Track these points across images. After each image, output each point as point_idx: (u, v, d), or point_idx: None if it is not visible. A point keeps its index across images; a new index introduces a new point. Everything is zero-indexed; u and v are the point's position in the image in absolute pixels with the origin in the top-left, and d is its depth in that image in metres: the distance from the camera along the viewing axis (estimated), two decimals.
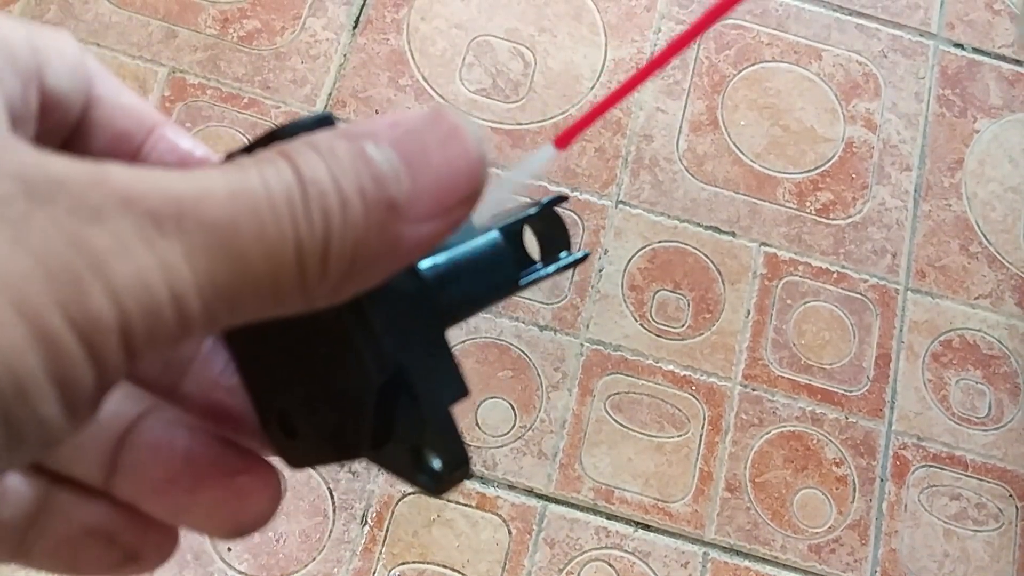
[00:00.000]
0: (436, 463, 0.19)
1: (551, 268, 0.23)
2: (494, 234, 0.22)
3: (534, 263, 0.23)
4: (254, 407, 0.22)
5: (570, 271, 0.24)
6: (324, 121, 0.18)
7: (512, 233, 0.23)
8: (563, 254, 0.24)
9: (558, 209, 0.24)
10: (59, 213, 0.14)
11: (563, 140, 0.22)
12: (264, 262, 0.15)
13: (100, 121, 0.20)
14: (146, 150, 0.20)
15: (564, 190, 0.94)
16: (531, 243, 0.24)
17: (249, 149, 0.19)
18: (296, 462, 0.22)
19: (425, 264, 0.21)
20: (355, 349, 0.19)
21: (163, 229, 0.14)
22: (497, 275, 0.22)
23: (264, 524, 0.20)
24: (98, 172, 0.14)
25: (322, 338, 0.19)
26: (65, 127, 0.19)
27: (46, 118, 0.18)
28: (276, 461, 0.22)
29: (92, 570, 0.21)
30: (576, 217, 0.93)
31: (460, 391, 0.20)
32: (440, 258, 0.21)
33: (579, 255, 0.24)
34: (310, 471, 0.84)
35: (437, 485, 0.19)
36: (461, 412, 0.86)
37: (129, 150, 0.20)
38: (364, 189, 0.16)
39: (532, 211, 0.23)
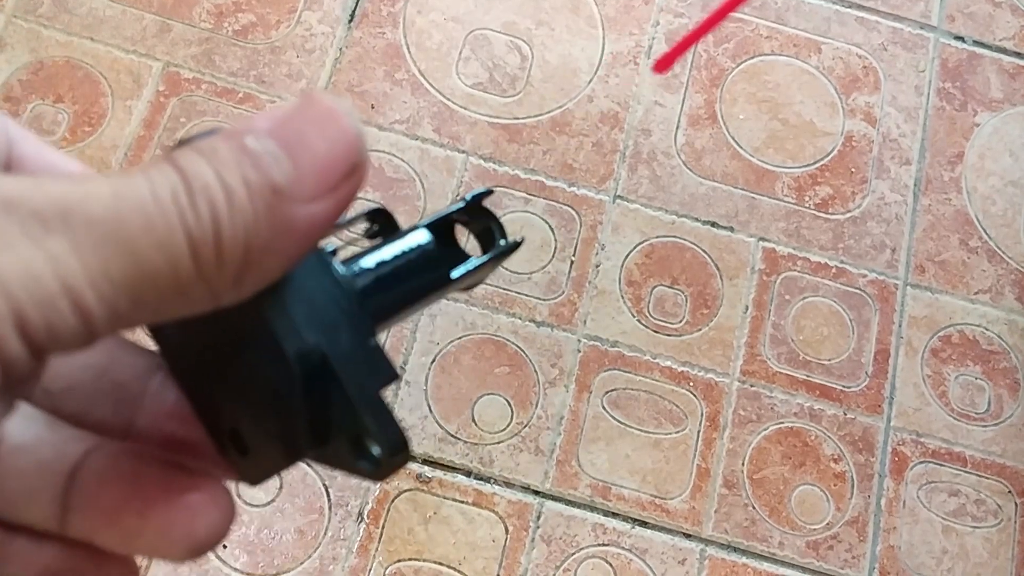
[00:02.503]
0: (375, 449, 0.20)
1: (484, 258, 0.23)
2: (420, 230, 0.23)
3: (467, 257, 0.23)
4: (208, 434, 0.22)
5: (501, 261, 0.24)
6: (214, 132, 0.18)
7: (439, 228, 0.23)
8: (501, 243, 0.24)
9: (486, 203, 0.24)
10: None
11: (663, 64, 0.22)
12: (156, 253, 0.16)
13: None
14: None
15: (560, 184, 0.94)
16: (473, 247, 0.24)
17: None
18: (254, 478, 0.22)
19: (345, 265, 0.21)
20: (275, 342, 0.19)
21: (48, 226, 0.15)
22: (426, 270, 0.23)
23: (219, 540, 0.20)
24: None
25: (250, 343, 0.20)
26: None
27: None
28: (232, 483, 0.22)
29: None
30: (573, 212, 0.93)
31: (388, 375, 0.20)
32: (363, 258, 0.22)
33: (511, 242, 0.24)
34: (306, 469, 0.83)
35: (377, 470, 0.20)
36: (457, 407, 0.86)
37: None
38: (247, 177, 0.17)
39: (458, 205, 0.24)
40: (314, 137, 0.17)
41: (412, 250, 0.23)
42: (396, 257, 0.22)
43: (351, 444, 0.20)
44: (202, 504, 0.20)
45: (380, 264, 0.22)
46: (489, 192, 0.24)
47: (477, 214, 0.24)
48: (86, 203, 0.15)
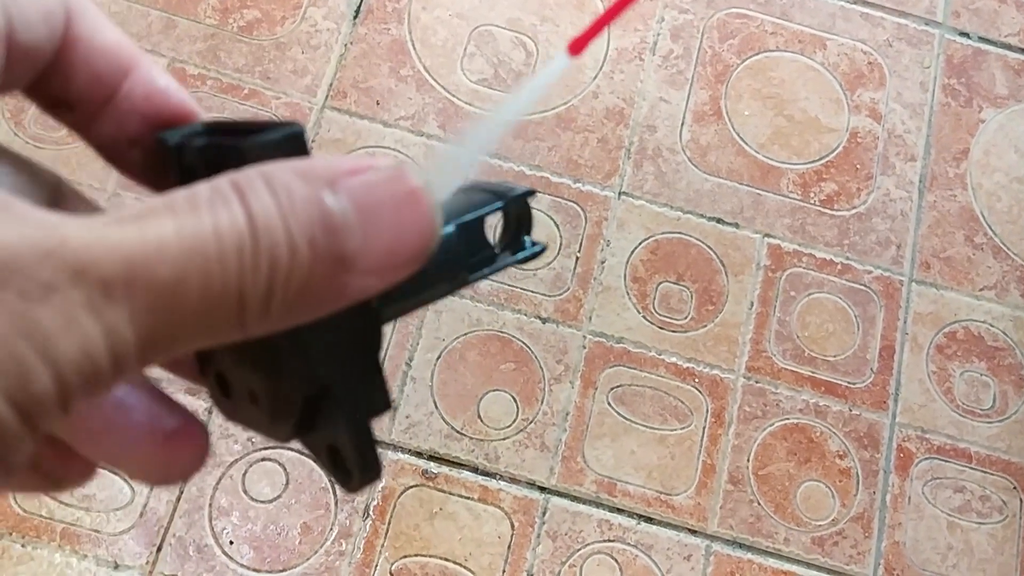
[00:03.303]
0: (350, 467, 0.20)
1: (508, 260, 0.23)
2: (449, 229, 0.22)
3: (491, 255, 0.23)
4: (195, 354, 0.22)
5: (543, 260, 0.24)
6: (292, 141, 0.18)
7: (470, 227, 0.23)
8: (526, 242, 0.23)
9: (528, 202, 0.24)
10: (10, 297, 0.14)
11: (577, 45, 0.21)
12: (205, 311, 0.16)
13: (77, 63, 0.20)
14: (123, 94, 0.21)
15: (566, 181, 0.94)
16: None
17: (219, 130, 0.20)
18: (227, 415, 0.22)
19: None
20: (289, 366, 0.19)
21: (111, 296, 0.15)
22: (444, 267, 0.22)
23: (190, 477, 0.21)
24: (52, 240, 0.15)
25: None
26: (34, 72, 0.20)
27: (13, 67, 0.19)
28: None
29: (15, 490, 0.22)
30: (578, 208, 0.93)
31: (382, 406, 0.21)
32: None
33: (538, 248, 0.23)
34: (312, 465, 0.83)
35: (347, 485, 0.21)
36: (463, 403, 0.86)
37: (105, 93, 0.21)
38: (315, 240, 0.16)
39: (496, 206, 0.23)
40: (392, 216, 0.17)
41: (436, 252, 0.22)
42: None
43: (329, 453, 0.21)
44: (182, 447, 0.21)
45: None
46: (531, 193, 0.24)
47: (516, 208, 0.23)
48: (151, 264, 0.15)
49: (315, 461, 0.21)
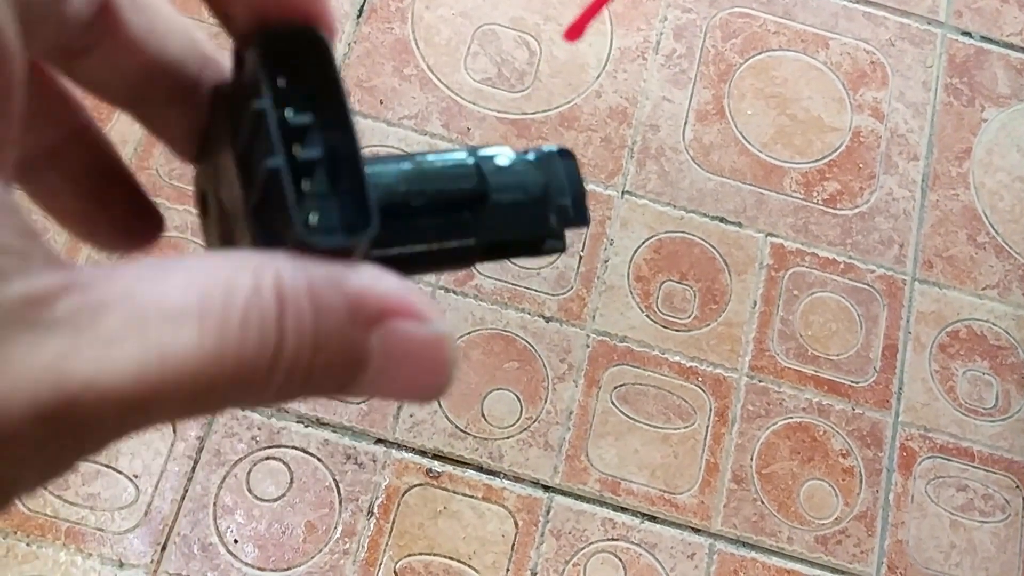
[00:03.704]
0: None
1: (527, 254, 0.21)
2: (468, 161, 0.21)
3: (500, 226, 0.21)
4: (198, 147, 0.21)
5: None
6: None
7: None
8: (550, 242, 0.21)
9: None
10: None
11: (574, 32, 0.21)
12: (200, 400, 0.16)
13: None
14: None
15: None
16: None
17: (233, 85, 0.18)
18: (206, 239, 0.22)
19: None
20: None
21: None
22: (451, 228, 0.20)
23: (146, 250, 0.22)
24: (56, 400, 0.14)
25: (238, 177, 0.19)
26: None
27: None
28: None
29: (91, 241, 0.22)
30: None
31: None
32: (384, 165, 0.20)
33: (559, 245, 0.22)
34: (316, 464, 0.83)
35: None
36: (467, 402, 0.86)
37: None
38: (333, 370, 0.17)
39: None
40: (412, 373, 0.18)
41: (451, 185, 0.20)
42: (423, 178, 0.20)
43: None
44: (139, 240, 0.21)
45: (402, 180, 0.20)
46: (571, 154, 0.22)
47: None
48: (161, 400, 0.15)
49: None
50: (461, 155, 0.20)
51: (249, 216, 0.18)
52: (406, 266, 0.19)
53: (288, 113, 0.18)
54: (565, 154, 0.21)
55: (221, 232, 0.20)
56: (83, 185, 0.21)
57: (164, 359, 0.15)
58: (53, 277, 0.15)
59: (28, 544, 0.79)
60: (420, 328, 0.17)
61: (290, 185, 0.17)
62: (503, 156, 0.21)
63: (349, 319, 0.17)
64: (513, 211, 0.20)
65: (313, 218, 0.17)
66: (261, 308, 0.16)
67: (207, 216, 0.21)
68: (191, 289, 0.15)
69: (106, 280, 0.15)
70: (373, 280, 0.17)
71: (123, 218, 0.22)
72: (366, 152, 0.18)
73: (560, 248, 0.21)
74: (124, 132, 0.91)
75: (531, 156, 0.21)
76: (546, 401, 0.87)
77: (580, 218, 0.21)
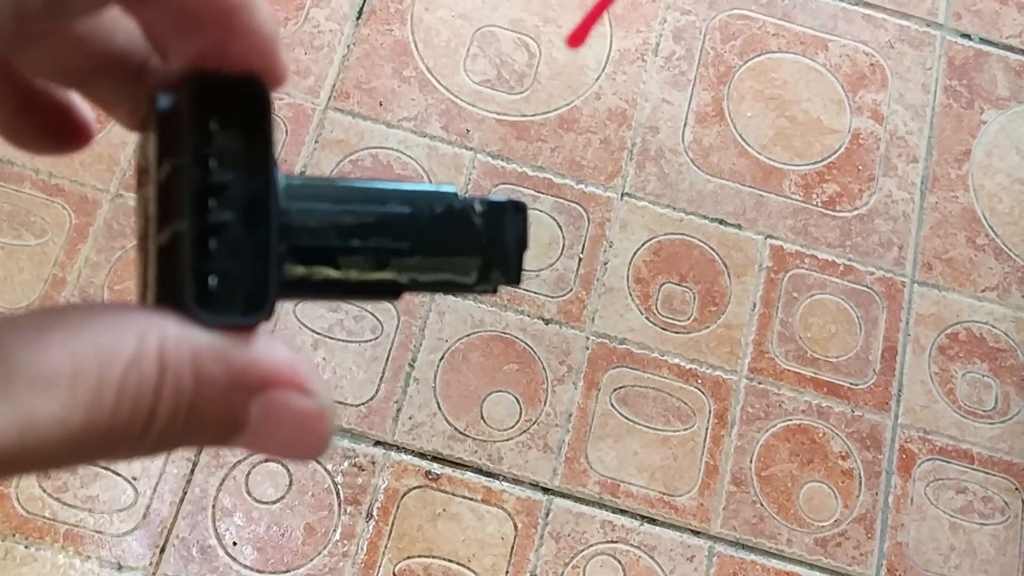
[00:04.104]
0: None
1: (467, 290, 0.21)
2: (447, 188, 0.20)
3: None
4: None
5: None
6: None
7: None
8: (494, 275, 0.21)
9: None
10: None
11: (576, 38, 0.21)
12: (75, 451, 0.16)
13: None
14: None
15: (568, 182, 0.94)
16: None
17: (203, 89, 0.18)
18: (136, 210, 0.22)
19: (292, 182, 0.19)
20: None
21: None
22: (391, 253, 0.20)
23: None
24: None
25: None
26: None
27: None
28: None
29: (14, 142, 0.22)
30: (581, 209, 0.93)
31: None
32: (324, 187, 0.19)
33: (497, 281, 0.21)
34: (315, 467, 0.83)
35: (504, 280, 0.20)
36: (466, 404, 0.86)
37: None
38: (208, 433, 0.17)
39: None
40: (289, 437, 0.18)
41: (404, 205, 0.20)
42: (370, 200, 0.20)
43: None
44: (63, 141, 0.21)
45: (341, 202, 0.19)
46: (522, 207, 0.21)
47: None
48: (31, 451, 0.15)
49: None
50: (403, 206, 0.20)
51: (156, 254, 0.18)
52: (328, 291, 0.19)
53: (212, 163, 0.17)
54: (516, 208, 0.21)
55: (143, 224, 0.20)
56: (5, 97, 0.21)
57: (29, 426, 0.15)
58: None
59: (27, 546, 0.79)
60: (302, 400, 0.18)
61: (189, 256, 0.17)
62: (443, 201, 0.20)
63: (229, 388, 0.17)
64: (441, 263, 0.20)
65: (212, 281, 0.17)
66: (140, 376, 0.16)
67: (140, 191, 0.20)
68: (67, 353, 0.15)
69: None
70: (261, 351, 0.17)
71: (47, 127, 0.21)
72: (312, 176, 0.18)
73: (491, 291, 0.21)
74: (123, 134, 0.90)
75: (478, 206, 0.20)
76: (545, 403, 0.87)
77: (512, 279, 0.21)
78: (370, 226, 0.19)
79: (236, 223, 0.17)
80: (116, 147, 0.91)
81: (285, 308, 0.87)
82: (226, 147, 0.18)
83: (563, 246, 0.92)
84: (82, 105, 0.22)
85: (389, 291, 0.20)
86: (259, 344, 0.18)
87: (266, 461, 0.83)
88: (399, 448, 0.85)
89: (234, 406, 0.17)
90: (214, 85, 0.18)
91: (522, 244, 0.21)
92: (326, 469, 0.84)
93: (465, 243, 0.20)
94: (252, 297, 0.18)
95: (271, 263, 0.18)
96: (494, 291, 0.21)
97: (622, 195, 0.94)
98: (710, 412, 0.89)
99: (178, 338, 0.16)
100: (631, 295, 0.91)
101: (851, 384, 0.91)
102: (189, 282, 0.17)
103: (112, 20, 0.19)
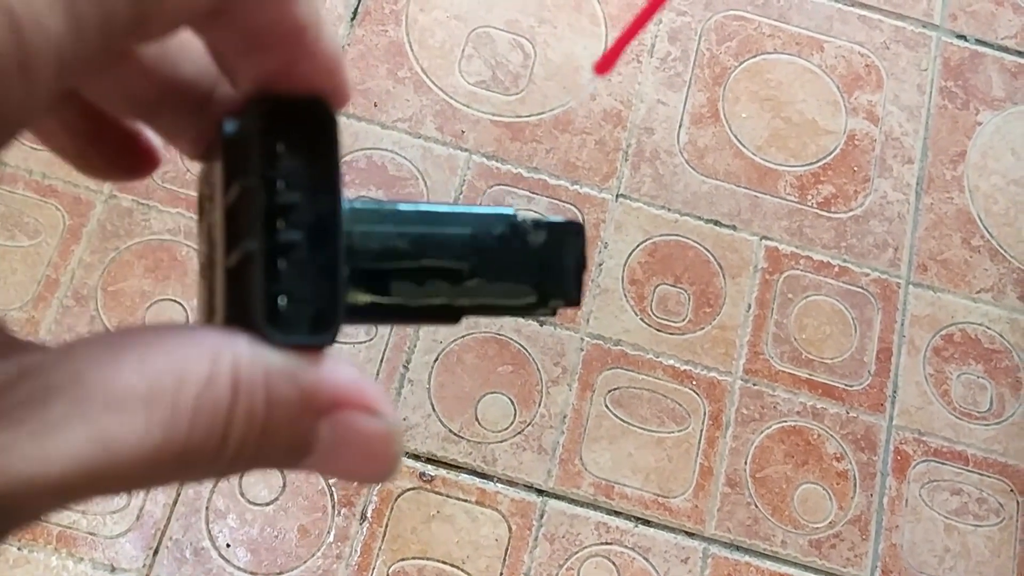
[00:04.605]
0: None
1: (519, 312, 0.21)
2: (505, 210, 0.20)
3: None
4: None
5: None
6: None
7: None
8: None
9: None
10: None
11: (604, 65, 0.21)
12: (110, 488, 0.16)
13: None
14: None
15: (563, 183, 0.94)
16: None
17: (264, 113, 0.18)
18: (198, 242, 0.22)
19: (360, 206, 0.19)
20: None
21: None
22: (446, 276, 0.20)
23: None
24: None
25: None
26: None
27: None
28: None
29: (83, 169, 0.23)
30: (576, 210, 0.93)
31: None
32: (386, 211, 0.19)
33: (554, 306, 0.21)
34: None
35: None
36: (460, 405, 0.86)
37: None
38: (277, 459, 0.17)
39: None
40: (358, 460, 0.18)
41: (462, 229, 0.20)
42: (429, 225, 0.19)
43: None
44: (130, 169, 0.22)
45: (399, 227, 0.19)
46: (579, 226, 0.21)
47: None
48: (104, 481, 0.15)
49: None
50: (463, 228, 0.20)
51: (224, 276, 0.18)
52: (388, 316, 0.19)
53: (280, 185, 0.18)
54: (577, 230, 0.21)
55: (208, 250, 0.20)
56: (77, 127, 0.21)
57: (107, 447, 0.15)
58: (4, 368, 0.15)
59: (19, 548, 0.79)
60: (370, 422, 0.18)
61: (260, 275, 0.17)
62: (502, 222, 0.20)
63: (300, 409, 0.17)
64: (501, 286, 0.20)
65: (282, 301, 0.17)
66: (215, 399, 0.16)
67: (202, 219, 0.21)
68: (142, 375, 0.15)
69: (56, 364, 0.15)
70: (329, 372, 0.17)
71: (115, 155, 0.22)
72: (372, 198, 0.18)
73: (550, 313, 0.21)
74: None
75: (538, 227, 0.20)
76: (540, 405, 0.87)
77: (572, 301, 0.21)
78: (430, 248, 0.19)
79: (304, 244, 0.18)
80: None
81: None
82: (293, 168, 0.18)
83: None
84: (149, 131, 0.22)
85: (449, 316, 0.20)
86: (327, 365, 0.18)
87: None
88: None
89: (304, 427, 0.17)
90: (281, 107, 0.18)
91: (581, 265, 0.21)
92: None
93: (524, 265, 0.20)
94: (320, 318, 0.18)
95: (339, 283, 0.18)
96: (553, 313, 0.21)
97: (617, 196, 0.94)
98: (705, 413, 0.88)
99: (251, 359, 0.16)
100: (626, 296, 0.91)
101: (846, 385, 0.91)
102: (260, 301, 0.17)
103: (179, 47, 0.19)
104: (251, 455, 0.16)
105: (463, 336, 0.88)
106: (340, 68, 0.18)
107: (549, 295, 0.21)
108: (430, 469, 0.84)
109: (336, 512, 0.82)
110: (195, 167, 0.21)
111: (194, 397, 0.15)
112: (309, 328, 0.17)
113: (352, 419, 0.17)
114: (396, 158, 0.93)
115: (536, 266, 0.20)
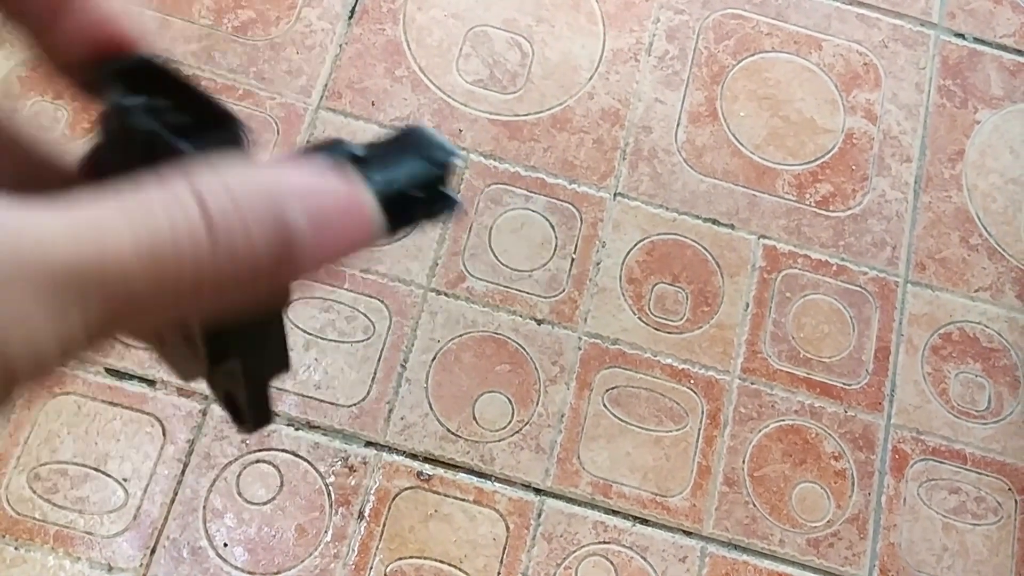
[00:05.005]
0: (244, 416, 0.22)
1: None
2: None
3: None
4: None
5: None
6: (234, 150, 0.19)
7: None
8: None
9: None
10: None
11: None
12: (156, 305, 0.17)
13: None
14: (71, 10, 0.21)
15: (561, 182, 0.93)
16: None
17: (160, 94, 0.20)
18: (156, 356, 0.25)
19: None
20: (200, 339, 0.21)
21: (65, 298, 0.16)
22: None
23: None
24: (12, 234, 0.15)
25: None
26: None
27: None
28: None
29: None
30: (574, 209, 0.93)
31: (282, 367, 0.22)
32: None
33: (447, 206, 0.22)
34: (307, 467, 0.83)
35: (241, 428, 0.23)
36: (458, 404, 0.86)
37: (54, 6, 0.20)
38: (273, 250, 0.18)
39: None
40: (340, 227, 0.19)
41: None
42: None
43: (227, 399, 0.22)
44: None
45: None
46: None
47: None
48: (106, 268, 0.16)
49: (213, 392, 0.23)
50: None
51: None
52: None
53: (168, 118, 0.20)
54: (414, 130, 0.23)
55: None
56: None
57: (101, 233, 0.16)
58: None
59: (16, 548, 0.79)
60: (332, 193, 0.19)
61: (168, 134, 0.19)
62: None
63: (268, 198, 0.18)
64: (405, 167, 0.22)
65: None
66: (180, 200, 0.17)
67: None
68: (111, 195, 0.17)
69: None
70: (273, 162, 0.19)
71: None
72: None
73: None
74: None
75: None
76: (538, 404, 0.87)
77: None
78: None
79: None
80: None
81: None
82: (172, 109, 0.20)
83: (556, 246, 0.91)
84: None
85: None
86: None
87: (257, 462, 0.83)
88: (391, 449, 0.85)
89: (279, 217, 0.18)
90: (129, 71, 0.20)
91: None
92: (317, 470, 0.83)
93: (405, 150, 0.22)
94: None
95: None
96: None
97: (615, 195, 0.94)
98: (703, 412, 0.88)
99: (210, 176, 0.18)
100: (624, 295, 0.91)
101: (844, 384, 0.90)
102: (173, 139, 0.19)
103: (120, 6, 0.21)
104: (240, 264, 0.17)
105: (460, 335, 0.88)
106: (115, 20, 0.20)
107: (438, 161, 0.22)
108: (428, 468, 0.84)
109: (334, 511, 0.82)
110: None
111: (162, 201, 0.17)
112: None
113: (315, 197, 0.19)
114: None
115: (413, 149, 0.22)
